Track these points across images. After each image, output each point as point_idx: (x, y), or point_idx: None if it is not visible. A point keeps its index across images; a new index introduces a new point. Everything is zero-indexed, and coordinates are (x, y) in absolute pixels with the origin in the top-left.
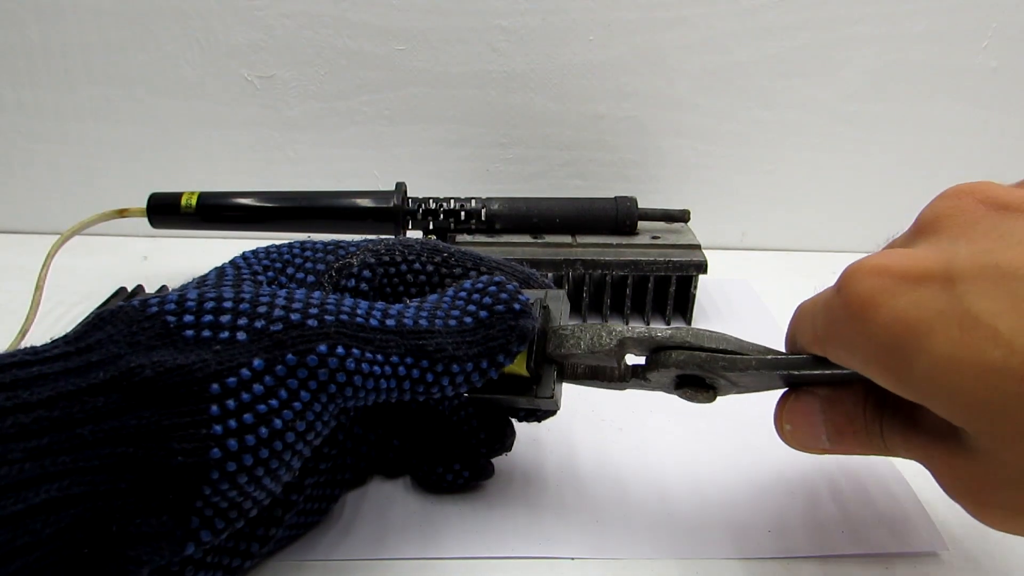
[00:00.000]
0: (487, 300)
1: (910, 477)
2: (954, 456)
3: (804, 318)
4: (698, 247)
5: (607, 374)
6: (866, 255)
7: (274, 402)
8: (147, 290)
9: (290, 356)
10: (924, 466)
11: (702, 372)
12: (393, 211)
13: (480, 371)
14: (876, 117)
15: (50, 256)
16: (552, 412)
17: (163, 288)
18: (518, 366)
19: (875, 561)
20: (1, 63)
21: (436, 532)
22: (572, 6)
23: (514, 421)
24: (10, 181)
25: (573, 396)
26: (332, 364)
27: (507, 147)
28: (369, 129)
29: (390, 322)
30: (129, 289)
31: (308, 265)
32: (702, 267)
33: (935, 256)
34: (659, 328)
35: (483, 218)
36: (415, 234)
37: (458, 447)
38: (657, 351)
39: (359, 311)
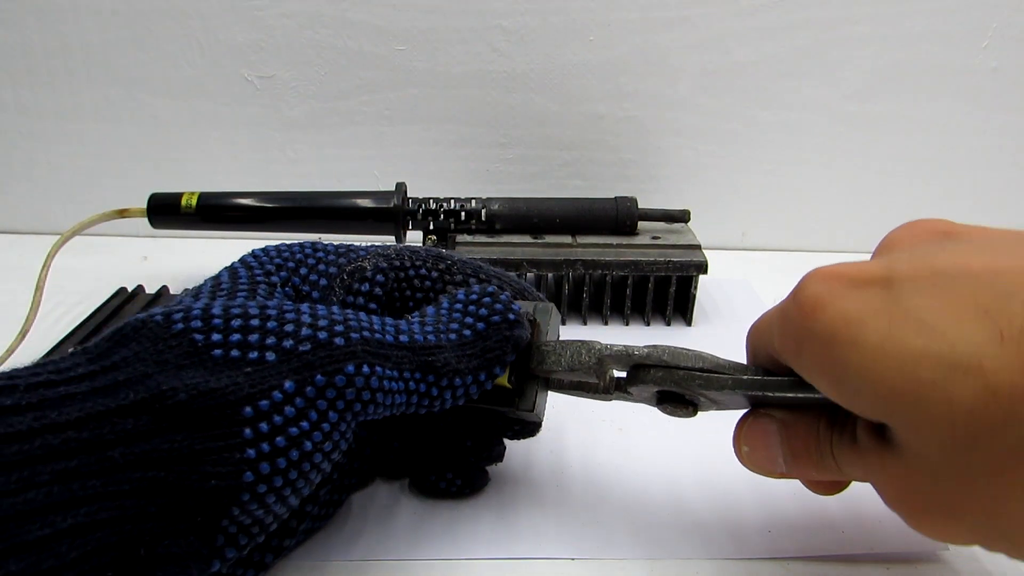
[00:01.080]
0: (483, 312)
1: None
2: (886, 462)
3: (763, 328)
4: (698, 247)
5: (591, 387)
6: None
7: (305, 424)
8: (147, 291)
9: (319, 377)
10: (868, 482)
11: (679, 389)
12: (393, 211)
13: (478, 383)
14: (876, 117)
15: (50, 256)
16: (536, 425)
17: (163, 288)
18: (501, 378)
19: (875, 562)
20: (1, 63)
21: (436, 533)
22: (572, 6)
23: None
24: (10, 181)
25: (574, 397)
26: (359, 383)
27: (507, 147)
28: (369, 129)
29: (403, 338)
30: (129, 289)
31: (320, 267)
32: (702, 267)
33: (881, 264)
34: (636, 347)
35: (483, 218)
36: (415, 235)
37: (449, 454)
38: (637, 368)
39: (376, 327)
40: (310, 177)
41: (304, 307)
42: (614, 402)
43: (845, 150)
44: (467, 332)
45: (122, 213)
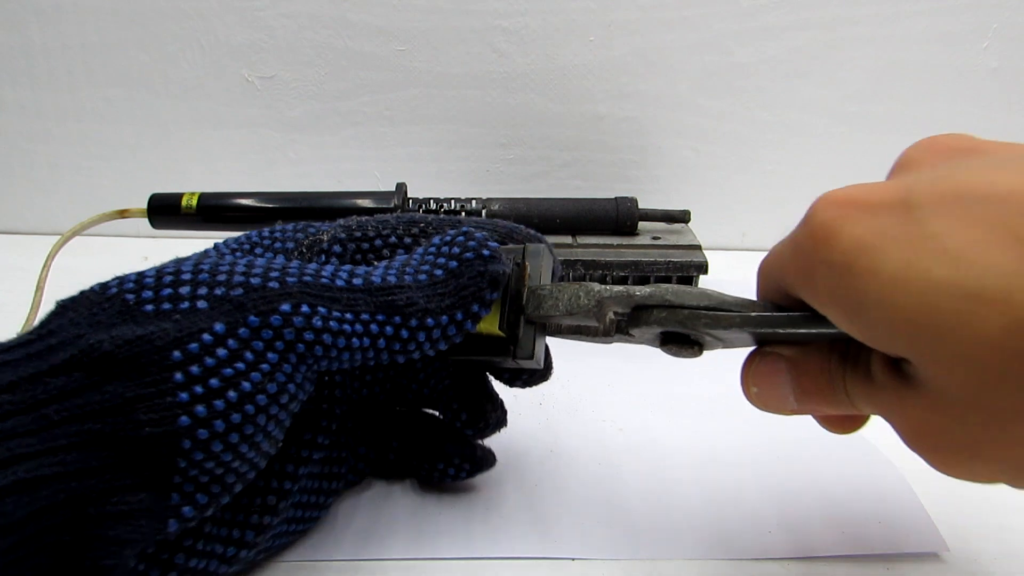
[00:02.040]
0: (455, 250)
1: (910, 477)
2: (905, 398)
3: (773, 261)
4: (699, 247)
5: (591, 331)
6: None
7: (240, 365)
8: None
9: (252, 318)
10: (884, 418)
11: (684, 329)
12: (394, 211)
13: (456, 324)
14: (876, 117)
15: (51, 257)
16: (539, 372)
17: None
18: (491, 325)
19: (875, 562)
20: (1, 63)
21: (436, 533)
22: (572, 7)
23: (512, 393)
24: (11, 182)
25: (574, 397)
26: (297, 323)
27: (507, 148)
28: (370, 130)
29: (357, 280)
30: None
31: (277, 245)
32: (703, 267)
33: (897, 185)
34: (638, 288)
35: (483, 218)
36: None
37: (449, 435)
38: (639, 309)
39: (324, 272)
40: (310, 177)
41: (241, 259)
42: (612, 406)
43: (845, 150)
44: (438, 272)
45: (122, 213)
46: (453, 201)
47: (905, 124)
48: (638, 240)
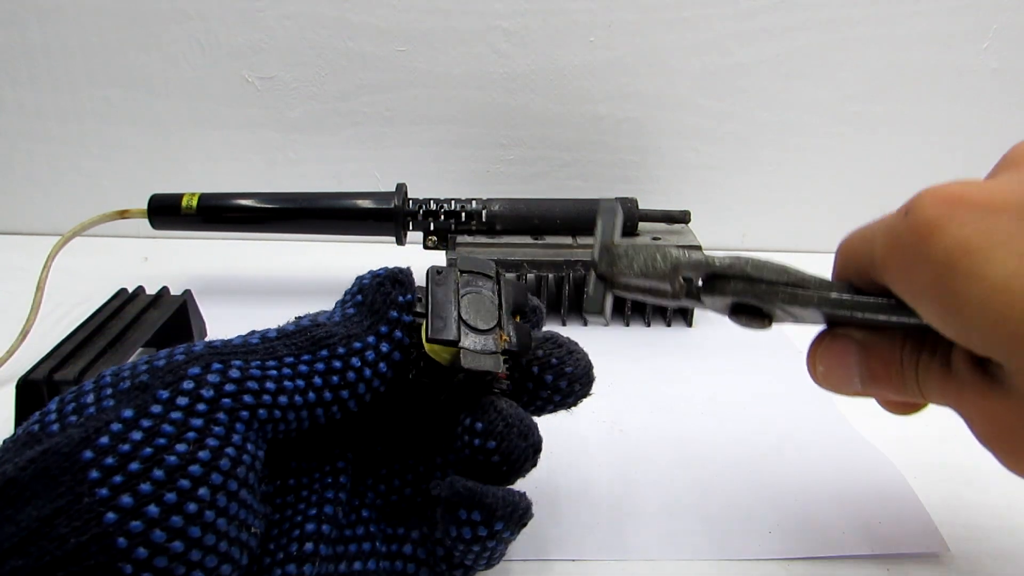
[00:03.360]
0: (355, 288)
1: (910, 478)
2: (988, 399)
3: (861, 241)
4: (699, 248)
5: (660, 292)
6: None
7: (161, 440)
8: (148, 291)
9: (161, 392)
10: (958, 412)
11: (759, 303)
12: (394, 212)
13: (386, 339)
14: (877, 118)
15: (51, 257)
16: (578, 388)
17: (164, 289)
18: (441, 352)
19: (875, 562)
20: (2, 64)
21: None
22: (573, 7)
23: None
24: (11, 182)
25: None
26: (213, 380)
27: (508, 148)
28: (370, 130)
29: (271, 334)
30: (130, 290)
31: None
32: None
33: (1012, 188)
34: (717, 257)
35: (484, 219)
36: (416, 236)
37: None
38: (714, 278)
39: (234, 340)
40: (311, 178)
41: (145, 357)
42: (612, 407)
43: (845, 151)
44: (350, 310)
45: (123, 214)
46: (453, 202)
47: (905, 124)
48: (638, 241)
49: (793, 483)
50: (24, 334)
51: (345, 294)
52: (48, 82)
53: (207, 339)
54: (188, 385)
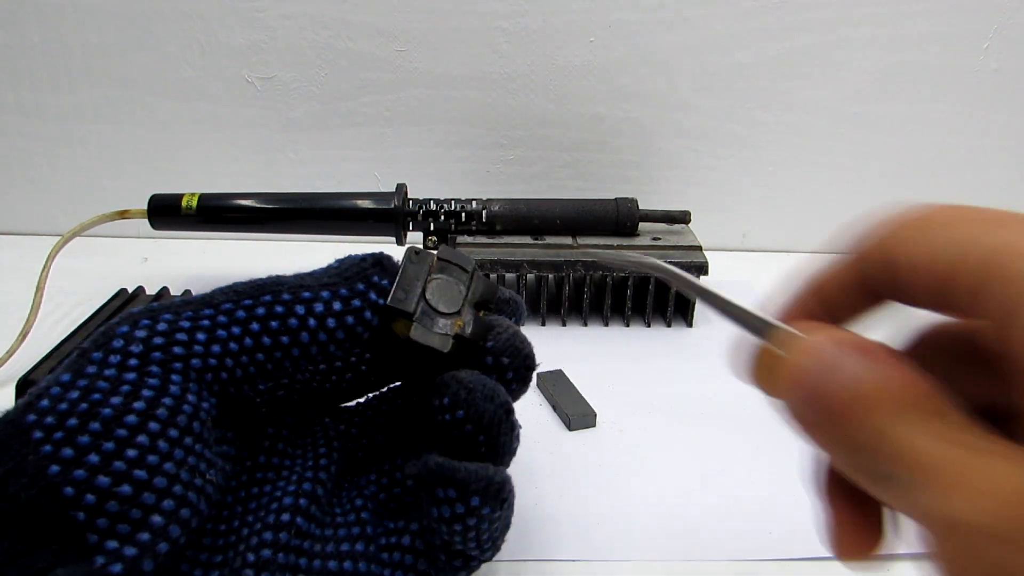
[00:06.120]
0: (338, 259)
1: None
2: None
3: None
4: (699, 248)
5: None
6: None
7: (96, 396)
8: (148, 291)
9: (95, 354)
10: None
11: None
12: (393, 212)
13: (341, 300)
14: (877, 118)
15: (51, 258)
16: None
17: (164, 289)
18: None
19: (875, 561)
20: (2, 64)
21: None
22: (573, 8)
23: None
24: (11, 183)
25: None
26: (140, 335)
27: (508, 148)
28: (370, 130)
29: (220, 288)
30: (130, 291)
31: None
32: (703, 268)
33: None
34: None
35: (484, 219)
36: (416, 236)
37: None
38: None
39: (176, 297)
40: (311, 178)
41: None
42: (612, 407)
43: (846, 151)
44: (318, 271)
45: (123, 214)
46: (453, 202)
47: (905, 124)
48: (638, 241)
49: (793, 484)
50: (24, 334)
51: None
52: (48, 82)
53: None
54: (118, 344)
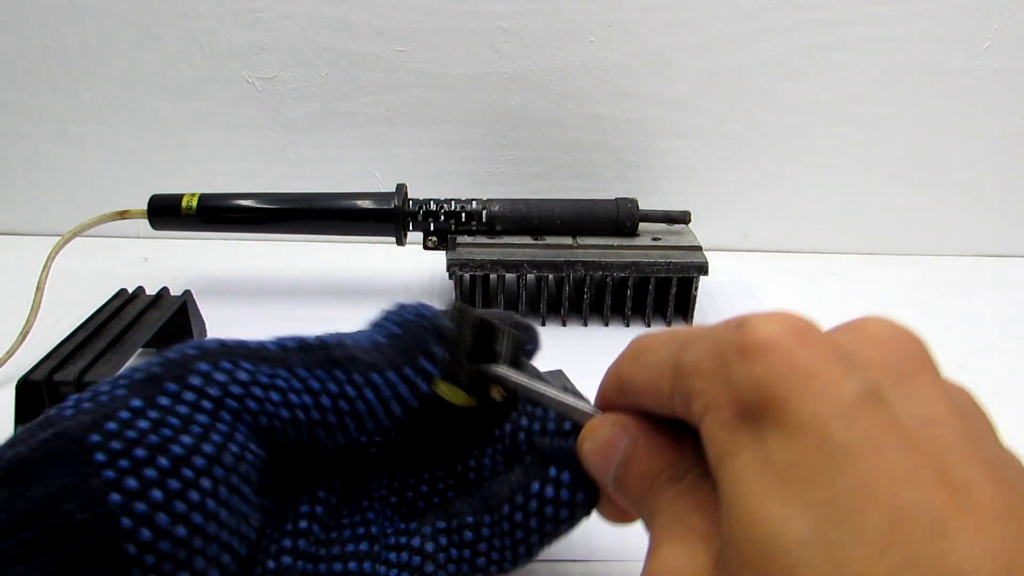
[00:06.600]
0: (394, 318)
1: None
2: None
3: (649, 364)
4: (699, 248)
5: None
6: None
7: (166, 431)
8: (148, 292)
9: (169, 385)
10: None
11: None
12: (393, 213)
13: (406, 380)
14: (877, 119)
15: (51, 258)
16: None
17: (164, 290)
18: (455, 394)
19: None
20: (2, 65)
21: None
22: (573, 7)
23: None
24: (11, 183)
25: None
26: (220, 379)
27: (508, 148)
28: (370, 131)
29: (291, 343)
30: (130, 291)
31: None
32: (703, 269)
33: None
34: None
35: (484, 220)
36: (416, 236)
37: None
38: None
39: (249, 342)
40: (311, 178)
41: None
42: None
43: (846, 152)
44: (380, 338)
45: (123, 214)
46: (453, 202)
47: (905, 125)
48: (638, 241)
49: None
50: (24, 334)
51: (380, 318)
52: (48, 82)
53: (221, 337)
54: (196, 381)
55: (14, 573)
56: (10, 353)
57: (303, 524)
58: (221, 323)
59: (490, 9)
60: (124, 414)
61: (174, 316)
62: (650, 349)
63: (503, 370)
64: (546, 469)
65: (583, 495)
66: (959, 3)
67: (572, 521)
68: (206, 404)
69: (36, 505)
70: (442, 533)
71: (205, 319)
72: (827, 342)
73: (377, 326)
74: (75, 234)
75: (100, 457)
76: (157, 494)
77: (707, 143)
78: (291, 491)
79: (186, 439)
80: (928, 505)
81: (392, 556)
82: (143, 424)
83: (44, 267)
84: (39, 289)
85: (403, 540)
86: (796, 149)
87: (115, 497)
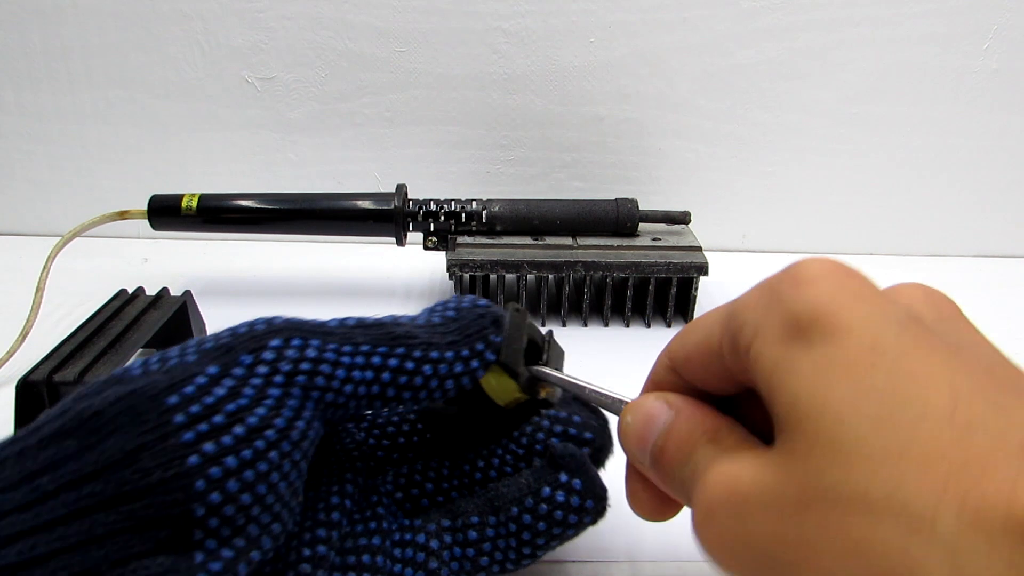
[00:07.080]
0: (451, 304)
1: None
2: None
3: (705, 327)
4: (699, 249)
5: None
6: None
7: (243, 401)
8: (148, 292)
9: (244, 356)
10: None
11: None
12: (393, 213)
13: (463, 361)
14: (877, 119)
15: (51, 258)
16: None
17: (164, 290)
18: (501, 387)
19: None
20: (2, 65)
21: None
22: (573, 8)
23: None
24: (11, 183)
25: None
26: (291, 355)
27: (508, 149)
28: (370, 131)
29: (351, 321)
30: (130, 291)
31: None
32: (703, 269)
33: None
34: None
35: (484, 220)
36: (416, 236)
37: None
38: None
39: (313, 320)
40: (311, 179)
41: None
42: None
43: (846, 152)
44: (436, 319)
45: (123, 215)
46: (453, 203)
47: (905, 124)
48: (638, 241)
49: None
50: (24, 335)
51: (436, 304)
52: (48, 82)
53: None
54: (269, 355)
55: (77, 528)
56: (10, 353)
57: (335, 516)
58: (221, 323)
59: (490, 9)
60: (201, 379)
61: (174, 316)
62: (699, 321)
63: (555, 372)
64: (557, 474)
65: (592, 502)
66: (959, 3)
67: (579, 527)
68: (278, 379)
69: (111, 459)
70: (447, 531)
71: (205, 319)
72: (871, 281)
73: (430, 311)
74: (75, 234)
75: (179, 419)
76: (232, 461)
77: (707, 143)
78: (315, 480)
79: (260, 410)
80: (982, 387)
81: (398, 552)
82: (220, 391)
83: (44, 267)
84: (39, 289)
85: (408, 536)
86: (796, 150)
87: (193, 459)
